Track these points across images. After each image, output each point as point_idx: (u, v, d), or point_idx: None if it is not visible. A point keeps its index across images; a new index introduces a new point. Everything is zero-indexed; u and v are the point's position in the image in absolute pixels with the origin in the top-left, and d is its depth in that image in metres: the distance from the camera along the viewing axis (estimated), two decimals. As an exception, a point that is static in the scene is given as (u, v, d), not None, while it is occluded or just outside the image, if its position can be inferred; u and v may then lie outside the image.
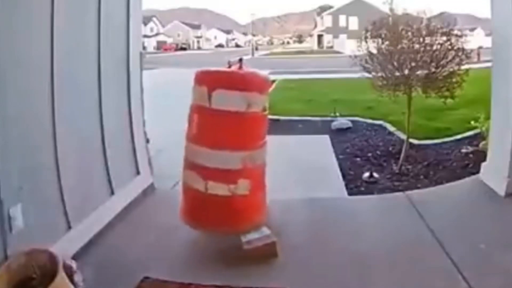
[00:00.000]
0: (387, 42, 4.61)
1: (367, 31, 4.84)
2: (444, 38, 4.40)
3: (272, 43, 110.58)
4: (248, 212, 2.48)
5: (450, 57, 4.36)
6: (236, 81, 2.44)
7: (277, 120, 7.48)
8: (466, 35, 4.55)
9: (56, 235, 2.20)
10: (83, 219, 2.43)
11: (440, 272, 2.11)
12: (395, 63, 4.50)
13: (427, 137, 5.57)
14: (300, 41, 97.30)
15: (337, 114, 7.40)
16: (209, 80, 2.44)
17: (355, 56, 4.85)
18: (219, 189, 2.38)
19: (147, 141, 3.41)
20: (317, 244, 2.45)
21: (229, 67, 2.60)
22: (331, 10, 60.50)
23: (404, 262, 2.24)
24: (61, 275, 1.71)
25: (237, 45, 77.28)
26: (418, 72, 4.44)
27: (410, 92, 4.53)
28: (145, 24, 57.86)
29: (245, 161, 2.41)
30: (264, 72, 2.93)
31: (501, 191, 2.89)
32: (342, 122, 6.76)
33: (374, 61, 4.68)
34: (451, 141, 5.36)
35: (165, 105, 7.65)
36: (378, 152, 5.25)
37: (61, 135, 2.24)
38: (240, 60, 2.62)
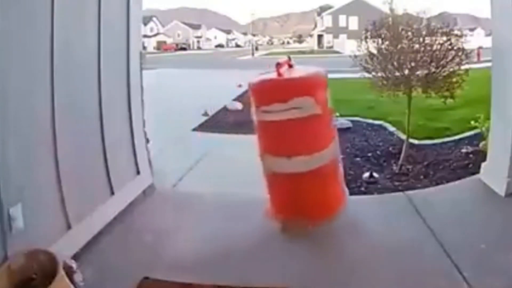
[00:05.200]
0: (387, 42, 4.61)
1: (367, 31, 4.83)
2: (444, 38, 4.40)
3: (272, 43, 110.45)
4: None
5: (450, 57, 4.36)
6: (278, 93, 2.50)
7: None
8: (466, 35, 4.56)
9: (56, 235, 2.19)
10: (83, 219, 2.43)
11: (440, 272, 2.11)
12: (395, 63, 4.50)
13: (427, 137, 5.57)
14: (300, 41, 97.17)
15: (337, 114, 7.39)
16: (255, 95, 2.62)
17: (355, 56, 4.85)
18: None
19: (147, 141, 3.41)
20: (317, 244, 2.45)
21: (278, 65, 2.58)
22: (331, 10, 60.48)
23: (404, 262, 2.24)
24: (61, 275, 1.71)
25: (237, 45, 77.26)
26: (418, 72, 4.44)
27: (410, 92, 4.53)
28: (145, 24, 57.80)
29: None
30: (314, 70, 2.73)
31: (501, 191, 2.88)
32: (342, 122, 6.74)
33: (374, 61, 4.67)
34: (451, 141, 5.36)
35: (165, 106, 7.65)
36: (378, 152, 5.25)
37: (61, 135, 2.24)
38: (289, 58, 2.72)
